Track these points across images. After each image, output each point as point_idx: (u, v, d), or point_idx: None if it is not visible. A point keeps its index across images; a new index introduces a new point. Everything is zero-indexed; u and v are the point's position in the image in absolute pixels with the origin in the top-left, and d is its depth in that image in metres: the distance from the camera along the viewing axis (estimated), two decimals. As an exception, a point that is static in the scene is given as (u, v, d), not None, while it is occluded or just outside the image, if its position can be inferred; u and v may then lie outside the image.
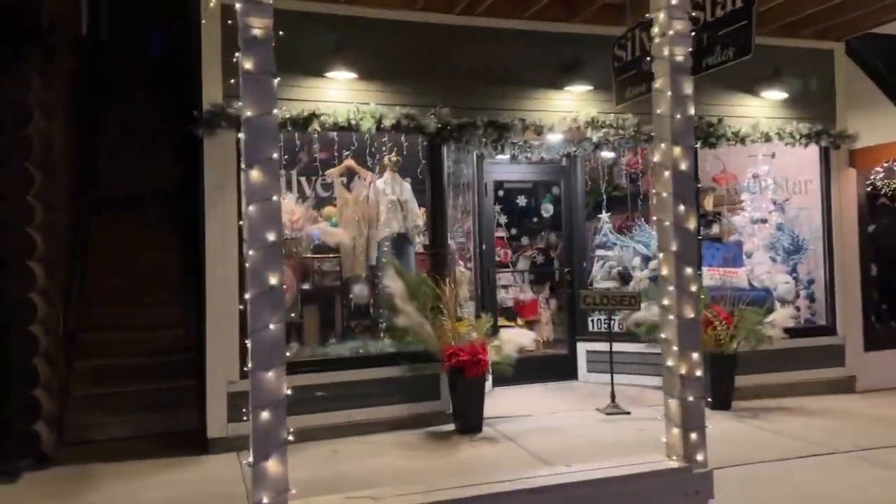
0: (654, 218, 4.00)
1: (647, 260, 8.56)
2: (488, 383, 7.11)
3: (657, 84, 3.98)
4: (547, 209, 8.78)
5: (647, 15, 4.09)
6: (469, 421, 6.50)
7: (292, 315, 6.84)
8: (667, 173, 3.91)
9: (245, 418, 3.19)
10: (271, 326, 3.19)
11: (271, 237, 3.18)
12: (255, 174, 3.18)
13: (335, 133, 6.74)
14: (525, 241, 8.99)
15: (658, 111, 3.95)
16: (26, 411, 5.69)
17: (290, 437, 3.30)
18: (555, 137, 7.41)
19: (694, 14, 4.24)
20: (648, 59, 4.17)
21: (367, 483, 5.21)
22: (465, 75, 7.01)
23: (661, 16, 3.91)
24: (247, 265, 3.20)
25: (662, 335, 3.96)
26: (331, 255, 7.31)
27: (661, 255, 3.99)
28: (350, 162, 7.18)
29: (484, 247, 8.16)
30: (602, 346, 8.11)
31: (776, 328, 7.27)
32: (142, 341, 7.23)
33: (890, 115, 8.75)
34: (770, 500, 4.86)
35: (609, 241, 8.71)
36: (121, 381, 6.89)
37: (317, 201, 7.58)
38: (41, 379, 5.77)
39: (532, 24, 7.20)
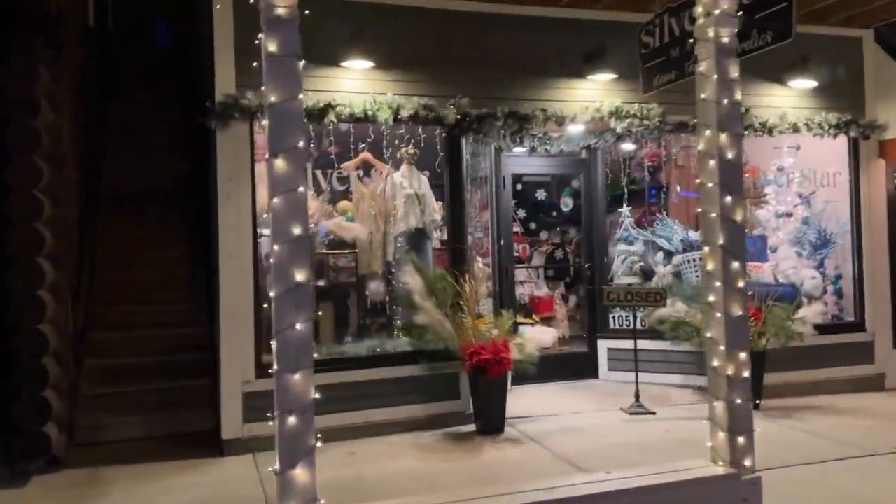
0: (699, 210, 3.76)
1: (669, 255, 8.34)
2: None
3: (701, 67, 3.75)
4: (566, 203, 8.55)
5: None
6: (491, 421, 6.30)
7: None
8: (712, 162, 3.69)
9: (271, 421, 3.00)
10: (298, 326, 2.99)
11: (297, 231, 2.98)
12: (279, 163, 2.98)
13: (350, 125, 6.53)
14: (544, 235, 8.75)
15: (703, 96, 3.72)
16: (36, 412, 5.51)
17: (319, 444, 3.12)
18: (576, 128, 7.19)
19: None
20: (691, 40, 3.94)
21: (389, 486, 5.04)
22: (484, 64, 6.78)
23: (707, -5, 3.69)
24: (271, 261, 3.01)
25: (708, 334, 3.74)
26: (346, 251, 7.10)
27: (706, 248, 3.78)
28: (366, 154, 6.97)
29: (502, 242, 7.94)
30: (624, 344, 7.93)
31: (807, 325, 7.04)
32: (153, 339, 7.05)
33: (921, 105, 8.50)
34: (811, 505, 4.66)
35: (630, 236, 8.48)
36: (132, 380, 6.72)
37: (332, 195, 7.37)
38: (51, 379, 5.59)
39: (554, 11, 6.97)
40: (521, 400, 7.11)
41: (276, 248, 2.97)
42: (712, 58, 3.69)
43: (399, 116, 6.38)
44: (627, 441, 5.96)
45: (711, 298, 3.71)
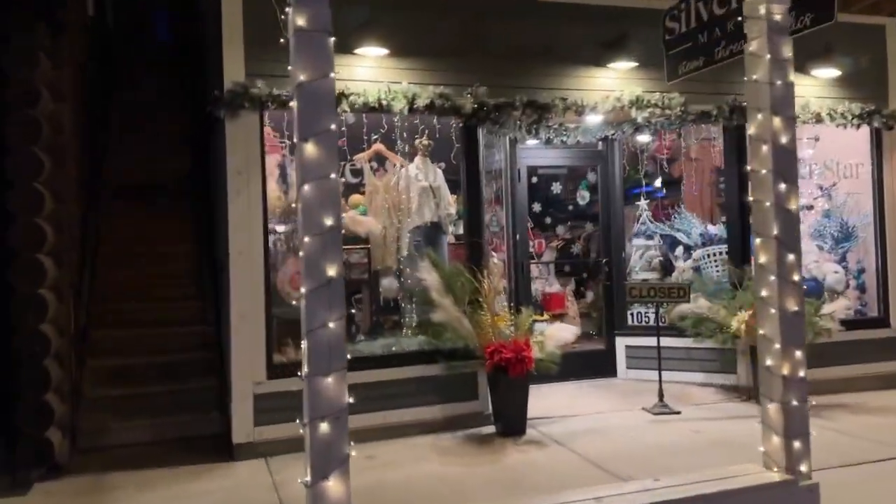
0: (751, 198, 3.54)
1: (688, 249, 8.12)
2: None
3: (752, 47, 3.53)
4: (583, 196, 8.29)
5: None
6: (511, 423, 6.06)
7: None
8: (765, 147, 3.47)
9: (301, 428, 2.77)
10: (331, 325, 2.76)
11: (329, 221, 2.75)
12: (310, 148, 2.75)
13: (363, 115, 6.27)
14: (560, 230, 8.51)
15: (754, 77, 3.50)
16: (38, 417, 5.23)
17: (353, 453, 2.89)
18: (595, 118, 6.95)
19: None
20: (740, 18, 3.70)
21: (414, 493, 4.80)
22: (502, 52, 6.53)
23: (759, -32, 3.46)
24: (300, 254, 2.78)
25: (761, 331, 3.53)
26: (359, 247, 6.84)
27: (757, 240, 3.56)
28: (379, 146, 6.71)
29: (517, 237, 7.70)
30: (643, 341, 7.72)
31: (834, 320, 6.83)
32: (157, 338, 6.79)
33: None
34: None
35: (649, 230, 8.25)
36: (136, 381, 6.46)
37: (344, 188, 7.11)
38: (53, 382, 5.31)
39: (574, -4, 6.73)
40: (540, 400, 6.86)
41: (306, 240, 2.74)
42: (764, 36, 3.47)
43: (415, 106, 6.12)
44: (657, 443, 5.73)
45: (765, 293, 3.50)
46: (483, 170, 6.87)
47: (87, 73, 7.78)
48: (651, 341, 7.19)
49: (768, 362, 3.48)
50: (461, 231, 6.97)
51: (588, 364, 7.92)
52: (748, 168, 3.56)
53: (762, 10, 3.47)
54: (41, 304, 5.28)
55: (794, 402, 3.42)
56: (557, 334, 6.42)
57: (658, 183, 8.44)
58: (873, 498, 4.60)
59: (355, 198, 7.04)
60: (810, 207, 8.21)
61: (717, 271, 7.74)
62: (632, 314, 8.01)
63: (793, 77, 3.50)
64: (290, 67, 2.80)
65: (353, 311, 6.86)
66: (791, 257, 3.43)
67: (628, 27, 6.79)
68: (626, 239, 8.29)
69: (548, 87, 6.62)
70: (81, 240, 6.98)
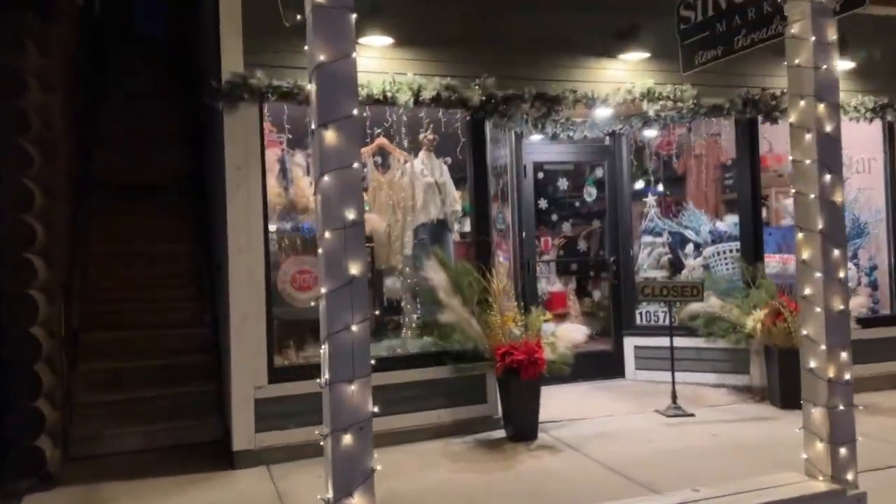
0: (793, 190, 3.33)
1: (698, 247, 7.93)
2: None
3: (794, 30, 3.32)
4: (590, 192, 8.08)
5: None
6: (522, 427, 5.83)
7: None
8: (808, 136, 3.27)
9: (322, 440, 2.54)
10: (354, 328, 2.54)
11: (352, 215, 2.51)
12: (330, 136, 2.50)
13: (367, 107, 6.02)
14: (566, 227, 8.28)
15: (796, 61, 3.29)
16: (28, 425, 4.96)
17: (378, 467, 2.66)
18: (605, 112, 6.74)
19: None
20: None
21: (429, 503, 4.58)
22: (511, 43, 6.29)
23: (802, -55, 3.25)
24: (319, 251, 2.54)
25: (804, 331, 3.32)
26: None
27: (799, 234, 3.36)
28: (382, 140, 6.46)
29: (524, 234, 7.47)
30: (652, 341, 7.53)
31: (851, 319, 6.64)
32: (152, 341, 6.52)
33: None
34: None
35: (657, 227, 8.05)
36: (130, 386, 6.20)
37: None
38: (44, 388, 5.04)
39: (583, -14, 6.52)
40: (548, 402, 6.60)
41: (326, 235, 2.51)
42: (807, 18, 3.26)
43: (420, 98, 5.89)
44: (675, 447, 5.52)
45: (808, 291, 3.30)
46: (490, 165, 6.65)
47: (78, 65, 7.49)
48: (660, 341, 7.00)
49: (812, 364, 3.27)
50: (466, 228, 6.75)
51: (595, 365, 7.70)
52: (790, 158, 3.36)
53: (805, -9, 3.27)
54: (31, 305, 5.00)
55: (841, 407, 3.21)
56: (568, 335, 6.21)
57: (660, 186, 8.28)
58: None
59: (357, 194, 6.79)
60: (820, 203, 8.03)
61: (728, 269, 7.55)
62: (640, 314, 7.81)
63: (837, 61, 3.30)
64: (306, 47, 2.57)
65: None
66: (837, 253, 3.23)
67: (639, 16, 6.58)
68: (634, 236, 8.10)
69: (557, 78, 6.40)
70: (72, 238, 6.70)
